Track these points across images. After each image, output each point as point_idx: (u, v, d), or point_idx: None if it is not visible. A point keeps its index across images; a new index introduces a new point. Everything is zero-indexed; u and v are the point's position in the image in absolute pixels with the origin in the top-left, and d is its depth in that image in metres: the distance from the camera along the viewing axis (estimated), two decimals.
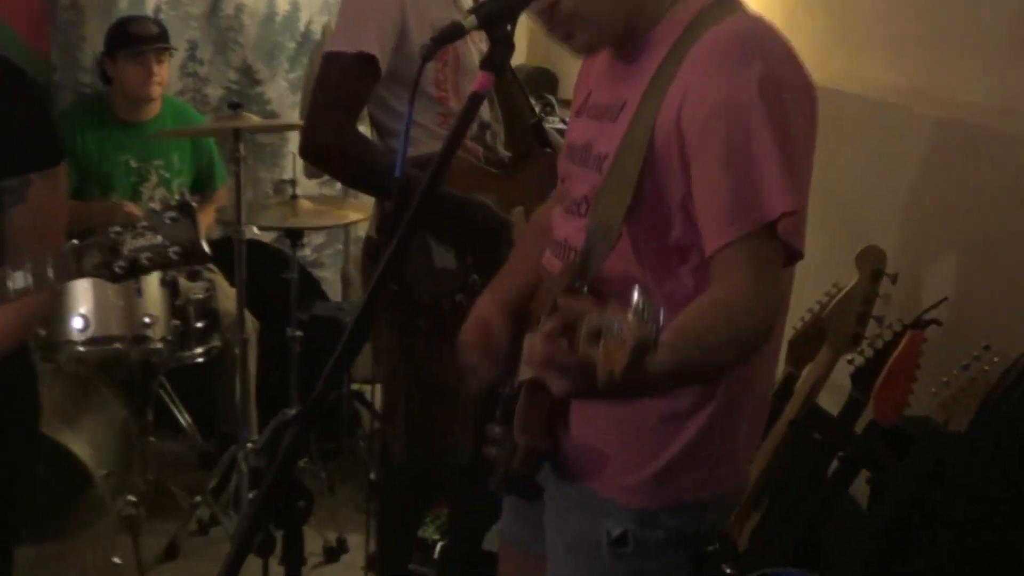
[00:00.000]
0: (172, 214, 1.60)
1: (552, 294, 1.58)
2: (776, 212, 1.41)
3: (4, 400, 1.98)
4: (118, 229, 1.63)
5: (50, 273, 1.65)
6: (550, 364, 1.27)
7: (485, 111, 2.71)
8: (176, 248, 1.61)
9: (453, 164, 2.55)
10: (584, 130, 1.68)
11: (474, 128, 2.67)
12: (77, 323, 3.20)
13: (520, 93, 2.96)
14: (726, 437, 1.65)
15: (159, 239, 1.61)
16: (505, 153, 2.77)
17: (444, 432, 2.68)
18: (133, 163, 3.85)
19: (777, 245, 1.45)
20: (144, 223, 1.62)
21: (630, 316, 1.08)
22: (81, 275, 1.64)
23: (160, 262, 1.63)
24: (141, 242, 1.61)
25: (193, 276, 3.12)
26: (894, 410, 2.30)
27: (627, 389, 1.19)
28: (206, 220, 3.96)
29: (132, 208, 3.70)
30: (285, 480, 1.28)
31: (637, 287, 1.11)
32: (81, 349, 3.24)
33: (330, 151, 2.40)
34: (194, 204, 1.62)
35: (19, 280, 1.65)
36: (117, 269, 1.62)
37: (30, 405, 2.09)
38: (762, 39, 1.49)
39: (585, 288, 1.51)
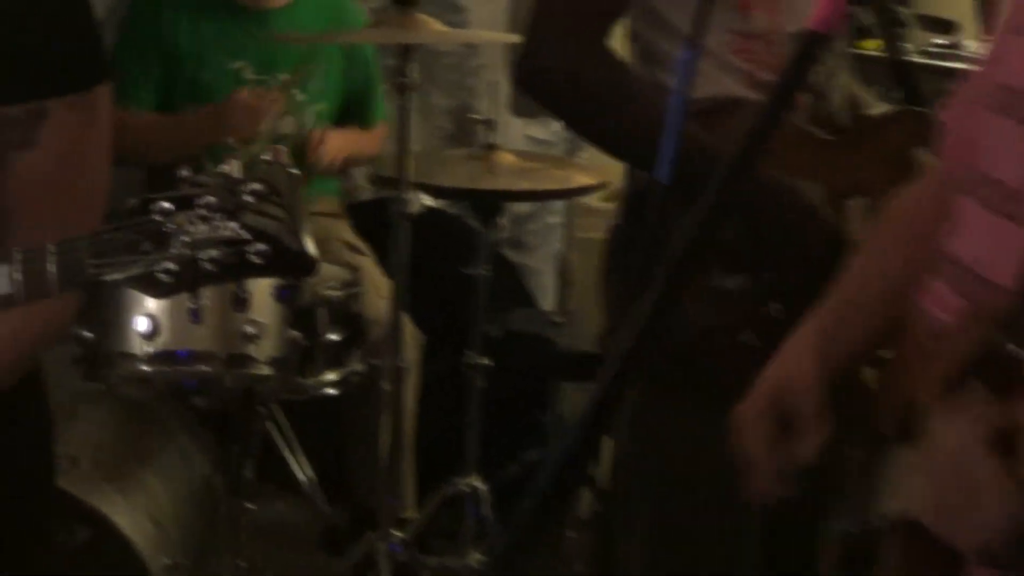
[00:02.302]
0: (256, 187, 1.46)
1: (944, 363, 1.48)
2: None
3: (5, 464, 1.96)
4: (167, 207, 1.48)
5: (51, 271, 1.55)
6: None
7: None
8: (259, 247, 1.48)
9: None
10: None
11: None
12: (141, 325, 3.09)
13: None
14: None
15: (232, 228, 1.48)
16: (841, 104, 2.55)
17: (707, 553, 2.52)
18: (250, 74, 3.70)
19: None
20: (209, 199, 1.47)
21: None
22: (97, 280, 1.54)
23: (233, 269, 1.50)
24: (202, 230, 1.48)
25: (289, 292, 3.00)
26: None
27: None
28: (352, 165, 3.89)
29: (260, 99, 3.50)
30: None
31: None
32: (144, 368, 3.11)
33: (559, 79, 2.33)
34: (295, 171, 1.49)
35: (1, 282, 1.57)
36: (161, 276, 1.50)
37: (39, 466, 2.08)
38: None
39: None
